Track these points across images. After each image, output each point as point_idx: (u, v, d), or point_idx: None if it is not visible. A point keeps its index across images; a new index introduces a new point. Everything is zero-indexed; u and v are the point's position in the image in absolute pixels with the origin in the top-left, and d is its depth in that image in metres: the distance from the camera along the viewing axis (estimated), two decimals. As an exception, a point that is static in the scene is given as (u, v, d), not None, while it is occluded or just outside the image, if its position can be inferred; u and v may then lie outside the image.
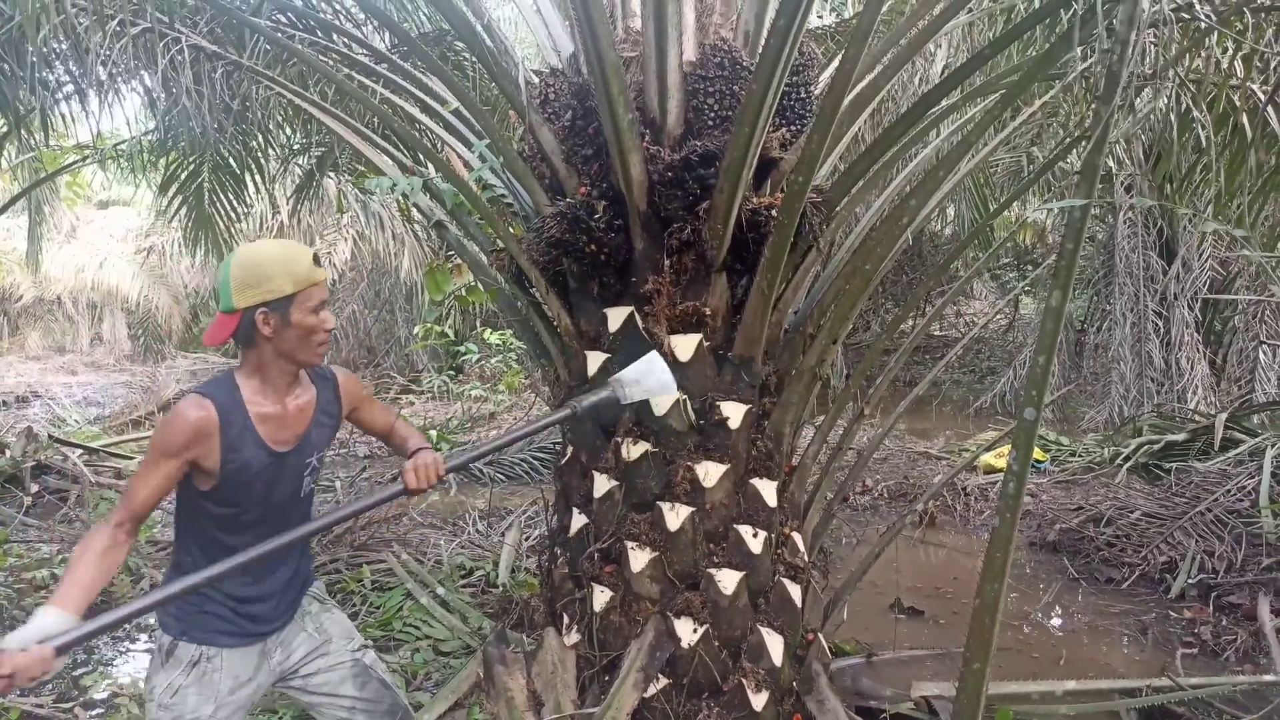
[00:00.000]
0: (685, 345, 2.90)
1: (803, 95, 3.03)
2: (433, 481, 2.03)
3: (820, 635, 3.14)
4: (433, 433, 8.60)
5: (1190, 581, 4.59)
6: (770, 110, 2.66)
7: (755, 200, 2.85)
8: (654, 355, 2.47)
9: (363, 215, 11.75)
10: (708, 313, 2.90)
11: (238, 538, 1.96)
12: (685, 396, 2.90)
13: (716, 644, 2.84)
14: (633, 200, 2.79)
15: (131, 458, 8.48)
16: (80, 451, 7.97)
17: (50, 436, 7.89)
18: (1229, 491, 5.14)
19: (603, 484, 2.98)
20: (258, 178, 7.50)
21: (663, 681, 2.80)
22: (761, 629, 2.90)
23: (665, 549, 2.87)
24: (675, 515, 2.87)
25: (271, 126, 6.31)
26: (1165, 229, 9.31)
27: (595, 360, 3.00)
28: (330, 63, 3.78)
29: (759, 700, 2.80)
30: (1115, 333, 9.56)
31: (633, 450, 2.90)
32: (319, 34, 4.17)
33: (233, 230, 7.88)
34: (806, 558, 3.15)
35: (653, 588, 2.87)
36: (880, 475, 7.06)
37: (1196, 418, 6.75)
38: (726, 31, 2.96)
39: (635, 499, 2.94)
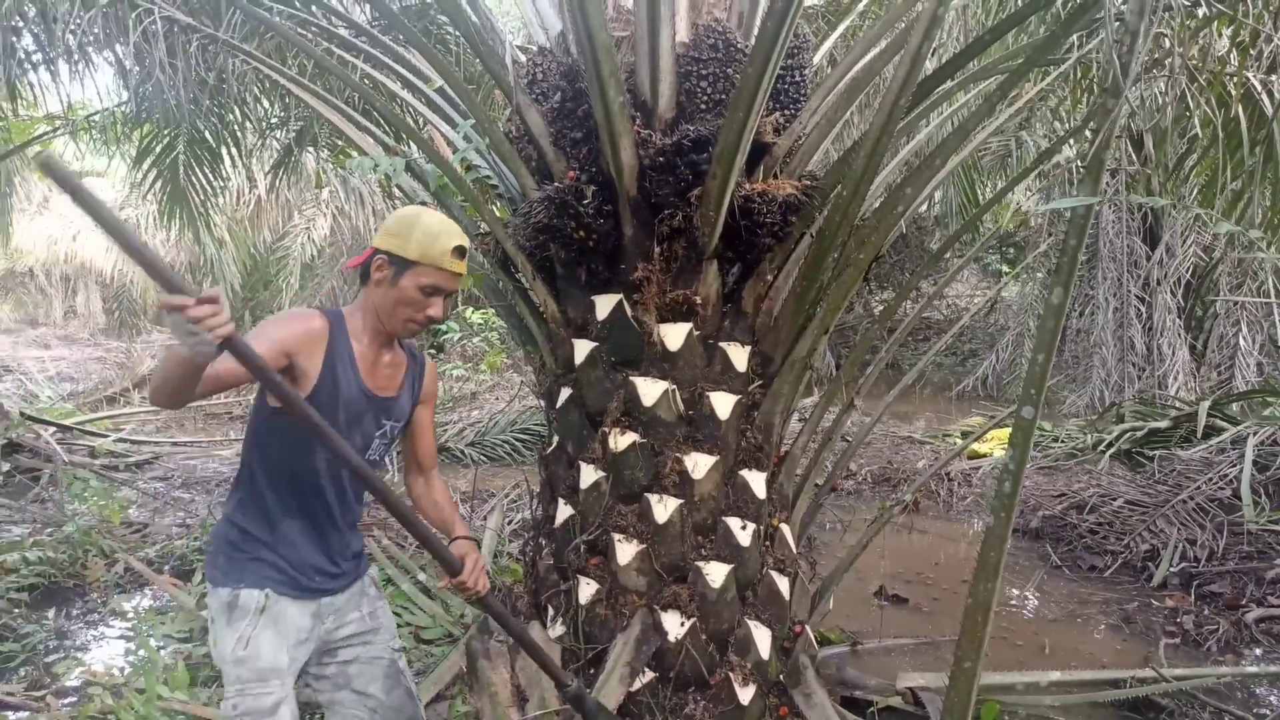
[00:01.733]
0: (675, 334, 2.84)
1: (797, 79, 2.97)
2: (483, 589, 2.04)
3: (808, 627, 3.12)
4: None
5: (1172, 570, 4.61)
6: (765, 95, 2.59)
7: (748, 187, 2.79)
8: None
9: (342, 191, 11.57)
10: (698, 301, 2.84)
11: (306, 468, 1.94)
12: (674, 386, 2.84)
13: (704, 637, 2.81)
14: (623, 185, 2.72)
15: (106, 435, 8.35)
16: (53, 429, 7.82)
17: (22, 414, 7.73)
18: (1211, 480, 5.16)
19: (589, 474, 2.92)
20: (234, 152, 7.34)
21: (649, 675, 2.76)
22: (749, 622, 2.86)
23: (653, 541, 2.82)
24: (664, 507, 2.82)
25: (249, 100, 6.15)
26: (1149, 215, 9.32)
27: (583, 348, 2.94)
28: (309, 36, 3.65)
29: (746, 694, 2.77)
30: (1098, 318, 9.60)
31: (620, 441, 2.85)
32: (297, 5, 4.04)
33: (209, 204, 7.73)
34: (794, 549, 3.12)
35: (640, 580, 2.83)
36: (864, 460, 7.05)
37: (1179, 405, 6.78)
38: (720, 12, 2.88)
39: (623, 490, 2.89)
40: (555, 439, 3.15)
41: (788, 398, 3.10)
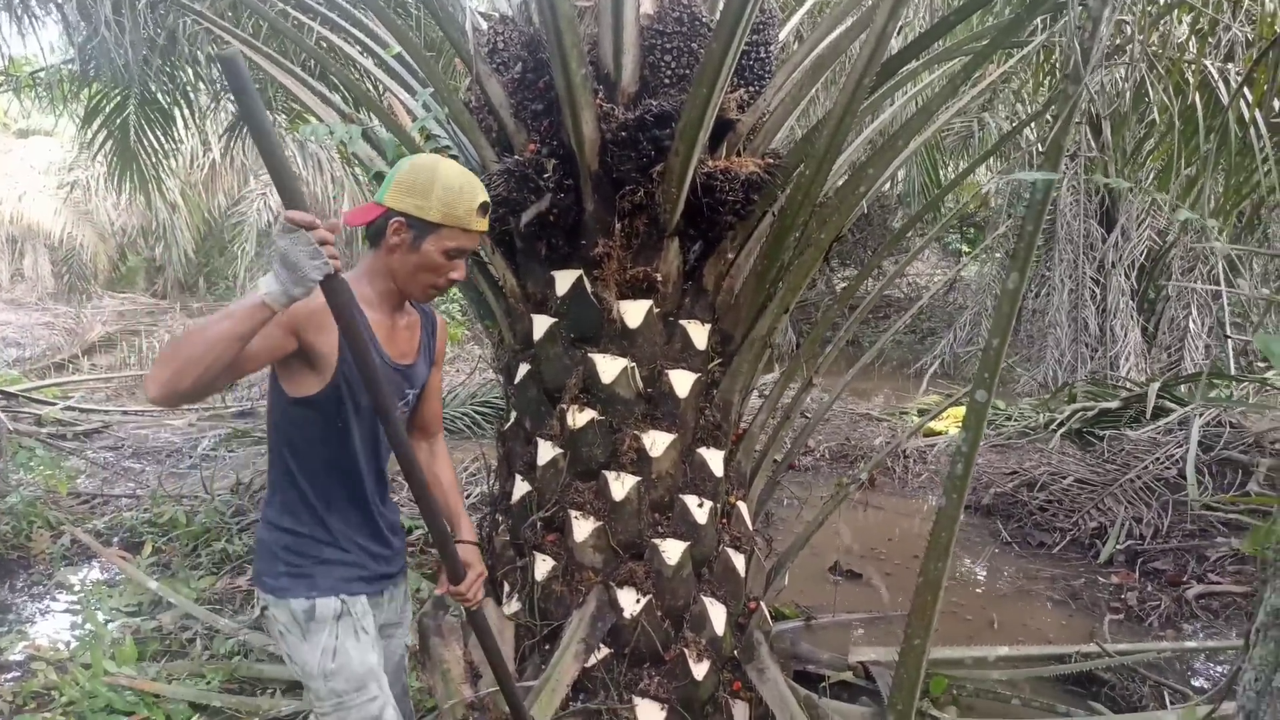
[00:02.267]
0: (635, 311, 2.82)
1: (762, 55, 2.93)
2: (479, 602, 1.96)
3: (762, 604, 3.15)
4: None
5: (1118, 547, 4.73)
6: (729, 70, 2.57)
7: (711, 164, 2.77)
8: None
9: (300, 157, 11.32)
10: (659, 278, 2.82)
11: (344, 454, 1.81)
12: (633, 364, 2.83)
13: (659, 614, 2.82)
14: (584, 160, 2.68)
15: (54, 403, 8.15)
16: (-2, 397, 7.63)
17: (-36, 381, 7.53)
18: (1158, 459, 5.29)
19: (547, 451, 2.90)
20: (187, 114, 7.16)
21: (604, 651, 2.77)
22: (705, 599, 2.88)
23: (609, 518, 2.82)
24: (621, 484, 2.82)
25: (203, 60, 5.98)
26: (1106, 199, 9.45)
27: (541, 324, 2.91)
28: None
29: (700, 670, 2.79)
30: (1053, 299, 9.74)
31: (578, 418, 2.83)
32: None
33: (160, 167, 7.53)
34: (751, 526, 3.14)
35: (596, 557, 2.83)
36: (823, 437, 7.12)
37: (1130, 386, 6.92)
38: (686, -16, 2.83)
39: (580, 467, 2.88)
40: (513, 415, 3.12)
41: (747, 376, 3.10)
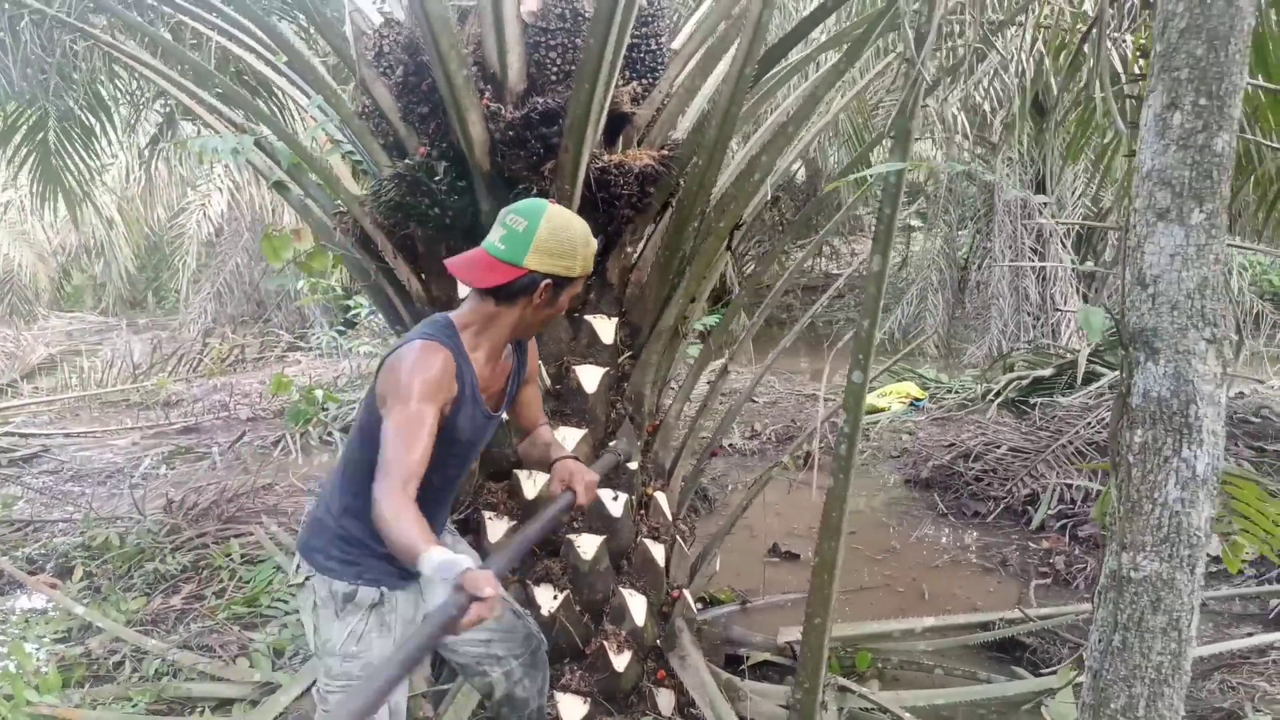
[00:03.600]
0: (537, 309, 2.82)
1: (654, 47, 2.95)
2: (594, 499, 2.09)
3: (686, 591, 3.18)
4: (319, 392, 8.32)
5: (1050, 513, 4.82)
6: (613, 66, 2.58)
7: (605, 158, 2.77)
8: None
9: (233, 165, 11.12)
10: (559, 275, 2.82)
11: (437, 477, 1.84)
12: (540, 362, 2.83)
13: (578, 609, 2.84)
14: (475, 160, 2.67)
15: (-10, 429, 7.98)
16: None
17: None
18: (1089, 424, 5.40)
19: (458, 453, 2.90)
20: (110, 127, 7.01)
21: (524, 649, 2.78)
22: (624, 590, 2.90)
23: (522, 517, 2.83)
24: (533, 483, 2.83)
25: (121, 73, 5.86)
26: (1040, 169, 9.60)
27: (446, 327, 2.90)
28: (153, 3, 3.46)
29: (621, 661, 2.82)
30: (995, 270, 9.89)
31: (487, 418, 2.83)
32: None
33: (89, 184, 7.38)
34: (671, 517, 3.16)
35: (512, 556, 2.83)
36: (769, 420, 7.17)
37: (1064, 354, 7.05)
38: (569, -21, 2.83)
39: (492, 467, 2.89)
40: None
41: (658, 367, 3.13)
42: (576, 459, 2.11)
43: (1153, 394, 1.38)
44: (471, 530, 2.90)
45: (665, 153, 2.85)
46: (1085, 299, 9.98)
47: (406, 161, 2.73)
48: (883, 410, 7.02)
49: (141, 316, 17.17)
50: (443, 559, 1.48)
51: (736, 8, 2.93)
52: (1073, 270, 9.53)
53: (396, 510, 1.59)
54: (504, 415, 2.08)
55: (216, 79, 2.79)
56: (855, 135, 6.81)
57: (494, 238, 1.84)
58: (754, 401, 7.69)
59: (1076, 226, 9.67)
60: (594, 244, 1.91)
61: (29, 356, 11.67)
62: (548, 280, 1.81)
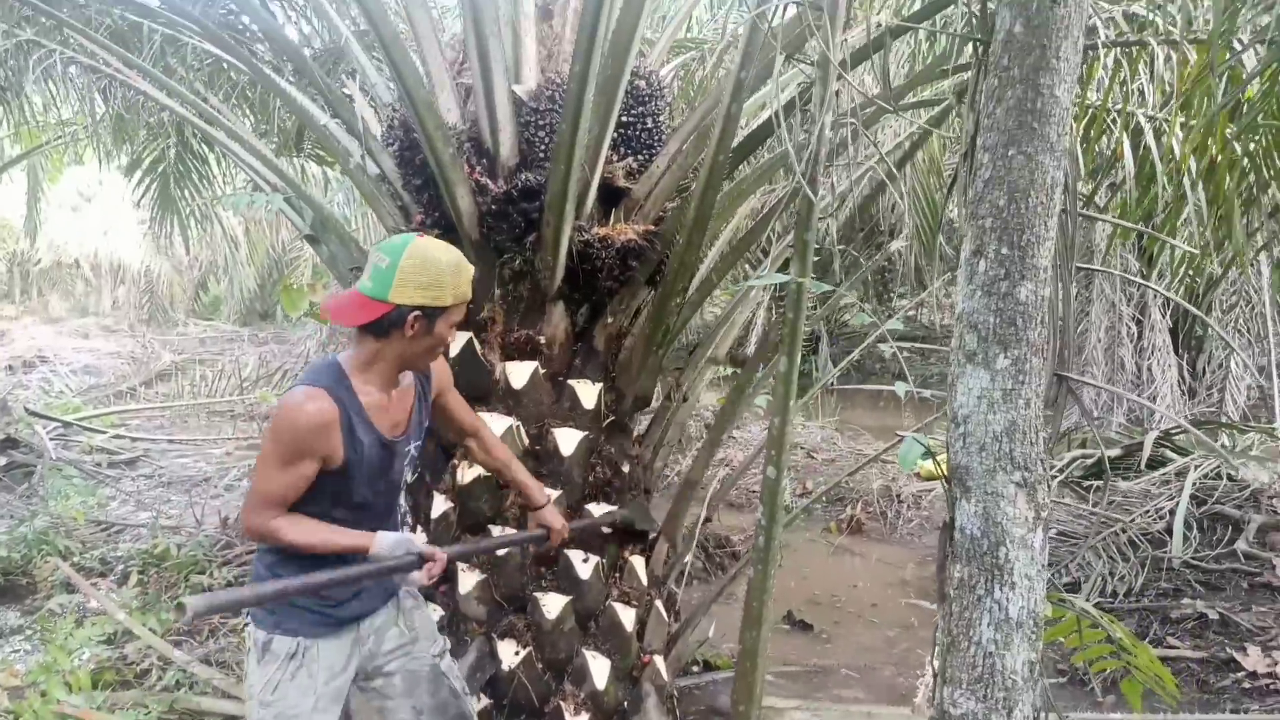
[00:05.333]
0: (520, 372, 2.95)
1: (649, 125, 3.05)
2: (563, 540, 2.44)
3: (658, 657, 3.20)
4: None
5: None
6: (596, 145, 2.70)
7: (590, 232, 2.88)
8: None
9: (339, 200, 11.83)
10: (542, 341, 2.95)
11: (343, 514, 2.00)
12: (518, 422, 2.95)
13: (539, 666, 2.91)
14: (463, 230, 2.83)
15: (104, 431, 8.67)
16: (54, 425, 8.16)
17: (26, 409, 8.09)
18: (1146, 512, 5.11)
19: (440, 504, 3.04)
20: (221, 161, 7.63)
21: (483, 702, 2.87)
22: (587, 652, 2.95)
23: (493, 571, 2.93)
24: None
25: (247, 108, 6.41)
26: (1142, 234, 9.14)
27: (437, 383, 3.05)
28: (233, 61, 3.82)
29: (576, 723, 2.87)
30: (1090, 336, 9.45)
31: (467, 473, 2.96)
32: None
33: (200, 212, 8.05)
34: (645, 581, 3.20)
35: (479, 609, 2.94)
36: (824, 478, 7.07)
37: (1133, 434, 6.68)
38: (566, 64, 2.97)
39: (469, 521, 3.00)
40: (418, 468, 3.27)
41: (650, 433, 3.20)
42: (551, 505, 2.37)
43: (967, 531, 1.37)
44: (446, 579, 3.02)
45: (651, 228, 2.94)
46: (1191, 371, 9.42)
47: (406, 229, 2.92)
48: (938, 479, 6.80)
49: (268, 329, 18.33)
50: (396, 538, 1.76)
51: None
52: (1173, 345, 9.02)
53: (282, 527, 1.87)
54: (415, 442, 2.16)
55: (243, 142, 3.07)
56: (925, 194, 6.68)
57: (365, 277, 1.91)
58: (812, 458, 7.60)
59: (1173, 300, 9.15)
60: (468, 271, 1.94)
61: (154, 363, 12.62)
62: (416, 312, 1.87)
